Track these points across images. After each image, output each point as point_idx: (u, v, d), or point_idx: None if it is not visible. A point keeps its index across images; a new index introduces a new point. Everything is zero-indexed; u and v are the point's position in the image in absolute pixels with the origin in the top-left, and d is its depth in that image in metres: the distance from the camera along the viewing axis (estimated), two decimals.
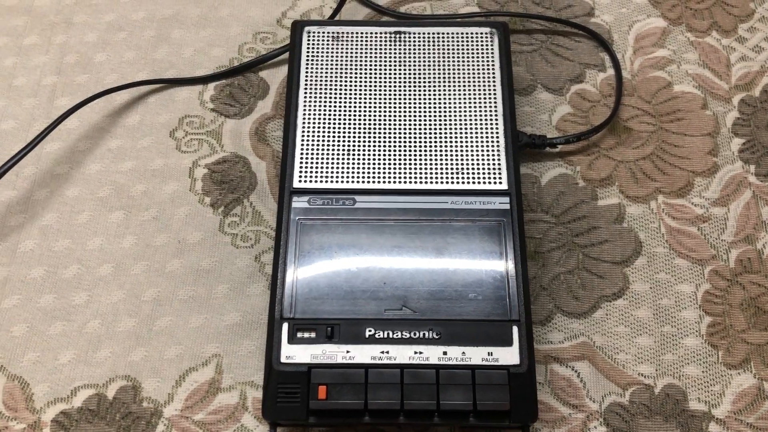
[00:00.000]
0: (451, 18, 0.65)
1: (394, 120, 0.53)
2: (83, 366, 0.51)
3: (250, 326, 0.52)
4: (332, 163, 0.52)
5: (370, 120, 0.53)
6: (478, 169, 0.52)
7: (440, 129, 0.53)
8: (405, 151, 0.52)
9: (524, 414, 0.45)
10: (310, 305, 0.47)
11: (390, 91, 0.54)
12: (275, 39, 0.64)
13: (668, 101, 0.61)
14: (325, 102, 0.54)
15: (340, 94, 0.54)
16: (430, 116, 0.53)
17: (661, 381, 0.51)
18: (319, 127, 0.53)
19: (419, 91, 0.54)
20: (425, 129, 0.53)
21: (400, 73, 0.55)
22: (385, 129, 0.53)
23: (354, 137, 0.53)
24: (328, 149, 0.52)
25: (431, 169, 0.52)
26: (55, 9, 0.66)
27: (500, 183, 0.51)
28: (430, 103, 0.54)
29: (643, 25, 0.65)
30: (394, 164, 0.52)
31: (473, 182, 0.51)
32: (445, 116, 0.53)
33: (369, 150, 0.52)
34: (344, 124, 0.53)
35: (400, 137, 0.53)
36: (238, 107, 0.61)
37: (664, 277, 0.54)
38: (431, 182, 0.51)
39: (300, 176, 0.51)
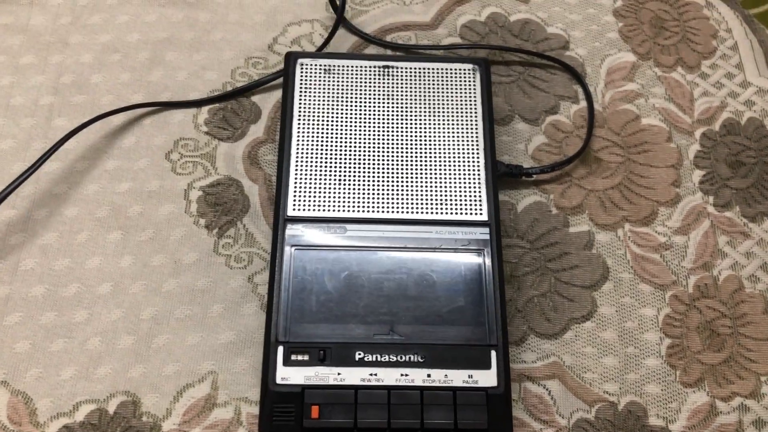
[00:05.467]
0: (434, 48, 0.68)
1: (383, 152, 0.57)
2: (84, 382, 0.54)
3: (244, 344, 0.56)
4: (324, 193, 0.55)
5: (360, 151, 0.57)
6: (461, 201, 0.55)
7: (426, 161, 0.57)
8: (393, 182, 0.56)
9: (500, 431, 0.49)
10: (303, 329, 0.51)
11: (379, 123, 0.58)
12: (267, 64, 0.67)
13: (636, 133, 0.65)
14: (317, 133, 0.57)
15: (332, 125, 0.57)
16: (416, 148, 0.57)
17: (624, 398, 0.55)
18: (312, 158, 0.56)
19: (406, 123, 0.58)
20: (412, 161, 0.56)
21: (388, 106, 0.58)
22: (374, 160, 0.56)
23: (345, 168, 0.56)
24: (320, 179, 0.55)
25: (417, 200, 0.55)
26: (51, 29, 0.67)
27: (481, 214, 0.55)
28: (416, 136, 0.57)
29: (615, 59, 0.69)
30: (383, 195, 0.55)
31: (456, 213, 0.55)
32: (430, 149, 0.57)
33: (359, 181, 0.56)
34: (336, 155, 0.56)
35: (388, 169, 0.56)
36: (231, 131, 0.64)
37: (629, 301, 0.59)
38: (417, 212, 0.55)
39: (294, 205, 0.54)
